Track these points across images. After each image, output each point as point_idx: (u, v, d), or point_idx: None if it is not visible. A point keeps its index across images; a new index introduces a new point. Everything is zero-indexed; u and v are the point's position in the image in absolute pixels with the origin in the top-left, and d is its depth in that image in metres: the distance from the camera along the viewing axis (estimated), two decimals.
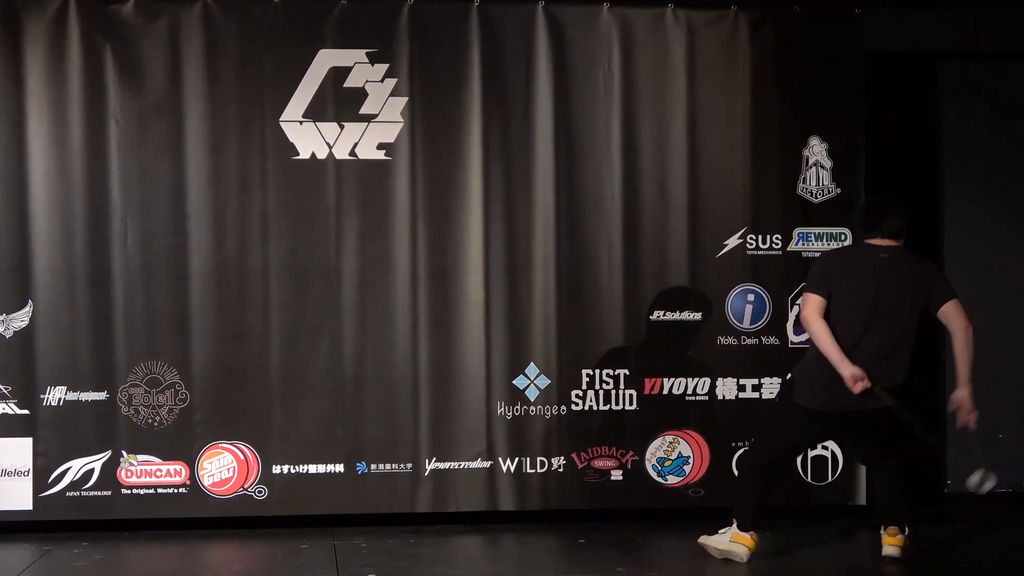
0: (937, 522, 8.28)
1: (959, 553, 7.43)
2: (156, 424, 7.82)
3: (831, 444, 8.27)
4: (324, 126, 7.91)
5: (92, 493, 7.78)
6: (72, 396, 7.77)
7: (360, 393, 7.92)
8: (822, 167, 8.30)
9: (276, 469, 7.87)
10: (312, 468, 7.89)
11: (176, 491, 7.83)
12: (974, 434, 8.76)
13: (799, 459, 8.23)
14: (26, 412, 7.75)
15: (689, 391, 8.19)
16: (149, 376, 7.81)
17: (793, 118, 8.27)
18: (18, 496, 7.75)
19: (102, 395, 7.79)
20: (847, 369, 6.77)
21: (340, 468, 7.90)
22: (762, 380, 8.24)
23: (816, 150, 8.30)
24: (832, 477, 8.31)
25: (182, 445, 7.83)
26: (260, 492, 7.88)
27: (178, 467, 7.84)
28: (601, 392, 8.12)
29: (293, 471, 7.89)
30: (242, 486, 7.86)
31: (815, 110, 8.29)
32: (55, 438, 7.77)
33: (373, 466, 7.93)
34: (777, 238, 8.26)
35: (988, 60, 8.95)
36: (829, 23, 8.32)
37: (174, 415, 7.83)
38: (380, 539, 7.57)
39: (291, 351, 7.88)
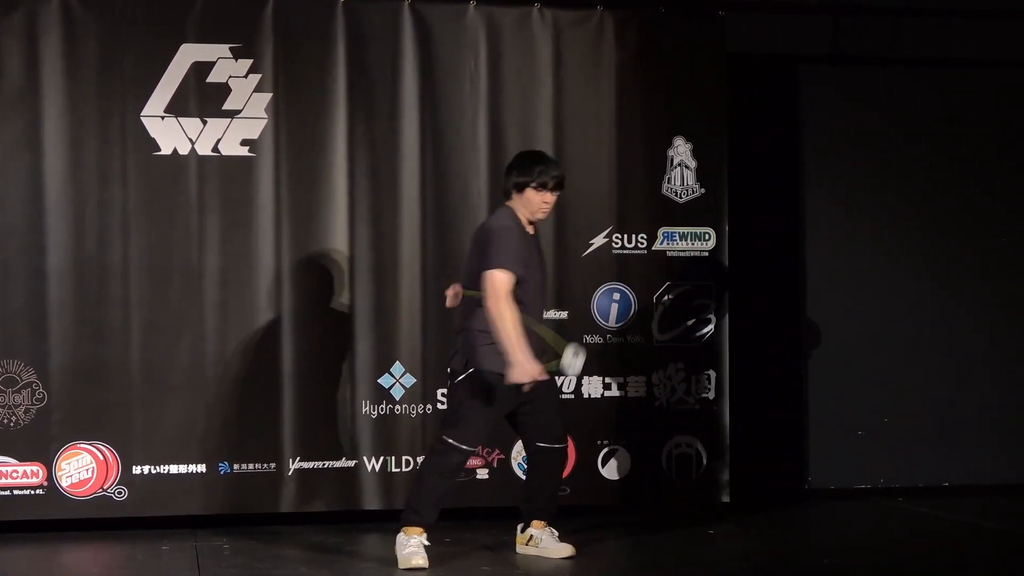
0: (799, 518, 8.41)
1: (821, 549, 7.52)
2: (12, 424, 7.65)
3: (695, 442, 8.35)
4: (186, 122, 7.80)
5: None
6: None
7: (222, 392, 7.82)
8: (686, 167, 8.38)
9: (136, 469, 7.74)
10: (173, 468, 7.77)
11: (33, 493, 7.67)
12: (833, 431, 8.98)
13: (663, 455, 8.31)
14: None
15: None
16: (5, 375, 7.64)
17: (658, 118, 8.34)
18: None
19: None
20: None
21: (202, 468, 7.80)
22: (628, 379, 8.29)
23: (681, 150, 8.37)
24: (696, 475, 8.37)
25: (39, 446, 7.67)
26: (120, 493, 7.74)
27: (35, 468, 7.67)
28: None
29: (154, 471, 7.76)
30: (101, 487, 7.72)
31: (680, 111, 8.36)
32: None
33: (236, 466, 7.83)
34: (642, 237, 8.32)
35: (847, 64, 9.11)
36: (693, 25, 8.40)
37: (31, 415, 7.67)
38: (243, 540, 7.49)
39: (152, 350, 7.76)
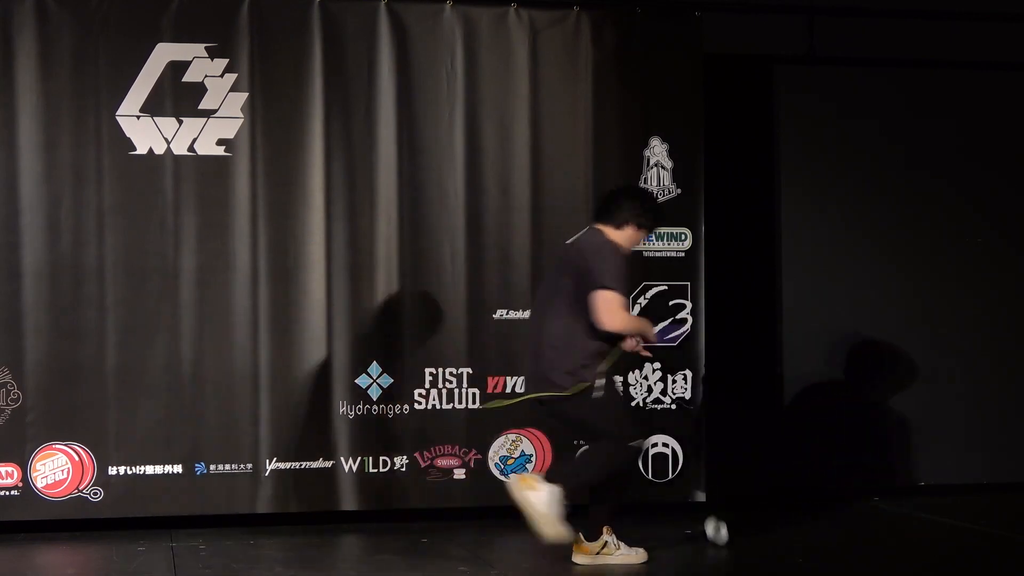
0: (775, 518, 8.42)
1: (797, 548, 7.53)
2: None
3: (671, 441, 8.36)
4: (162, 121, 7.77)
5: None
6: None
7: (199, 393, 7.79)
8: (663, 167, 8.39)
9: (112, 470, 7.71)
10: (149, 469, 7.74)
11: (8, 493, 7.63)
12: (810, 430, 8.98)
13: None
14: None
15: None
16: None
17: (634, 118, 8.35)
18: None
19: None
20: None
21: (178, 469, 7.76)
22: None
23: (657, 150, 8.38)
24: (672, 474, 8.38)
25: (14, 446, 7.63)
26: (96, 494, 7.71)
27: (10, 469, 7.63)
28: (444, 391, 8.10)
29: (130, 472, 7.73)
30: (77, 488, 7.69)
31: (656, 111, 8.37)
32: None
33: (212, 467, 7.81)
34: None
35: (822, 64, 9.13)
36: (669, 25, 8.42)
37: (6, 416, 7.63)
38: (219, 541, 7.47)
39: (127, 350, 7.73)
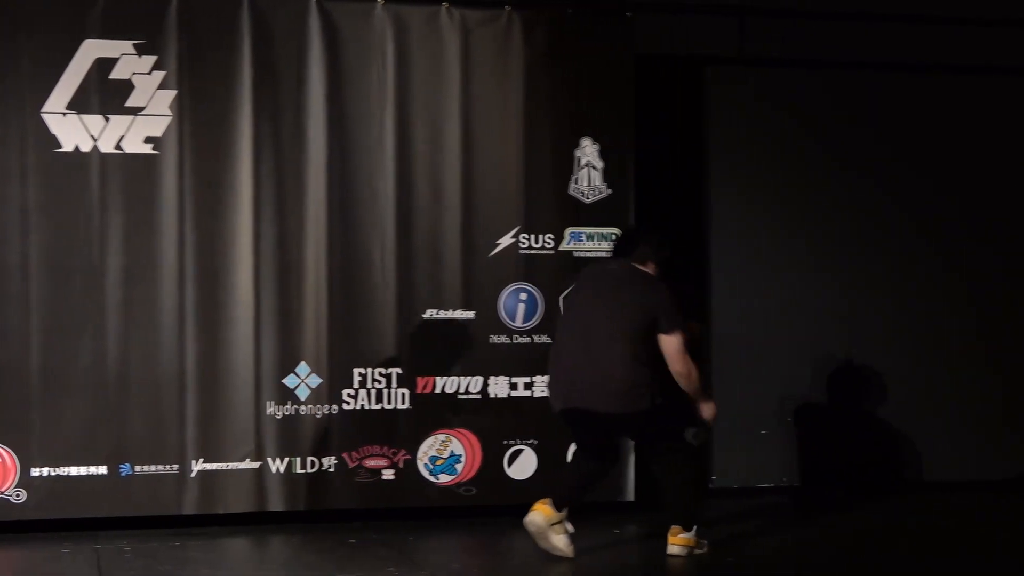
0: (702, 517, 8.45)
1: (724, 547, 7.57)
2: None
3: None
4: (89, 118, 7.68)
5: None
6: None
7: (124, 393, 7.72)
8: (594, 168, 8.40)
9: (35, 471, 7.62)
10: (74, 470, 7.66)
11: None
12: (736, 430, 9.05)
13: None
14: None
15: (461, 390, 8.20)
16: None
17: (566, 119, 8.34)
18: None
19: None
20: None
21: (103, 470, 7.68)
22: (534, 379, 8.29)
23: (588, 151, 8.39)
24: None
25: None
26: (18, 496, 7.61)
27: None
28: (373, 391, 8.08)
29: (53, 473, 7.65)
30: None
31: (587, 111, 8.37)
32: None
33: (138, 468, 7.73)
34: (549, 238, 8.33)
35: (753, 65, 9.17)
36: (601, 25, 8.41)
37: None
38: (145, 542, 7.41)
39: (51, 350, 7.64)
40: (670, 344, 7.12)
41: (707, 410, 7.35)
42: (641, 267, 7.28)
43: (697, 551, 7.28)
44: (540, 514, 7.09)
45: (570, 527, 7.17)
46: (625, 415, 7.12)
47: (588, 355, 7.11)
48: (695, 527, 7.29)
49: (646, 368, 7.12)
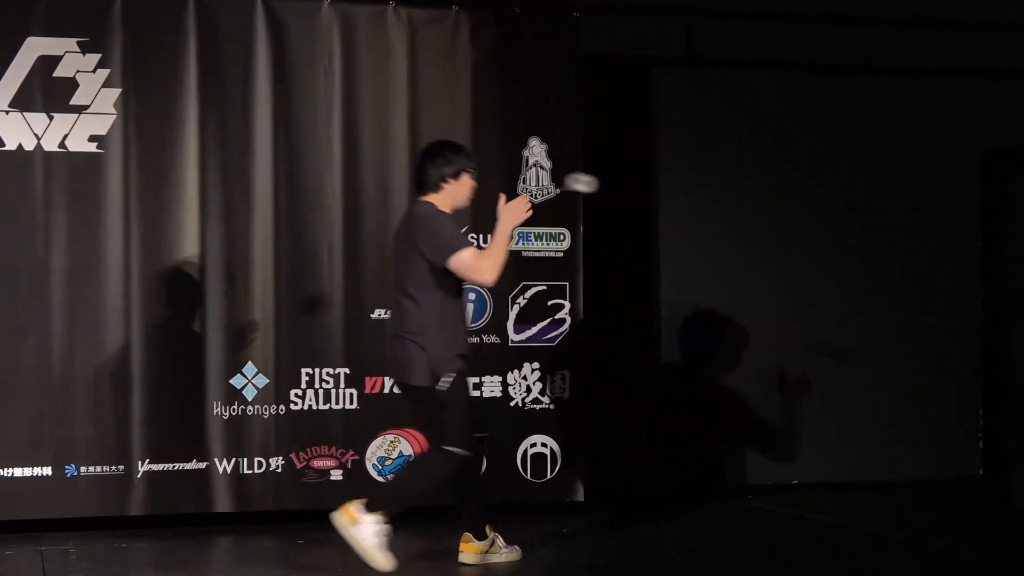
0: (652, 517, 8.48)
1: (673, 546, 7.58)
2: None
3: (549, 441, 8.37)
4: (32, 116, 7.62)
5: None
6: None
7: (69, 393, 7.65)
8: (542, 168, 8.40)
9: None
10: (18, 471, 7.59)
11: None
12: (686, 430, 9.06)
13: (518, 455, 8.32)
14: None
15: None
16: None
17: (514, 118, 8.35)
18: None
19: None
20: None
21: (48, 471, 7.61)
22: (483, 379, 8.27)
23: (536, 151, 8.39)
24: (551, 474, 8.39)
25: None
26: None
27: None
28: (321, 391, 8.04)
29: (2, 474, 7.58)
30: None
31: (535, 111, 8.38)
32: None
33: (83, 468, 7.66)
34: None
35: (700, 65, 9.21)
36: (549, 25, 8.43)
37: None
38: (90, 544, 7.35)
39: None
40: (460, 264, 6.49)
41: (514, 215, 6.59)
42: (434, 195, 6.68)
43: (496, 558, 6.93)
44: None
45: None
46: (409, 387, 6.63)
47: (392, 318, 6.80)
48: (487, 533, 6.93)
49: (429, 333, 6.53)
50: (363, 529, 6.54)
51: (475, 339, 8.25)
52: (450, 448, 6.57)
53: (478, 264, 6.51)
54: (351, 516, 6.56)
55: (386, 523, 6.58)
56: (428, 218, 6.60)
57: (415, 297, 6.58)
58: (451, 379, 6.58)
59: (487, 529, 6.95)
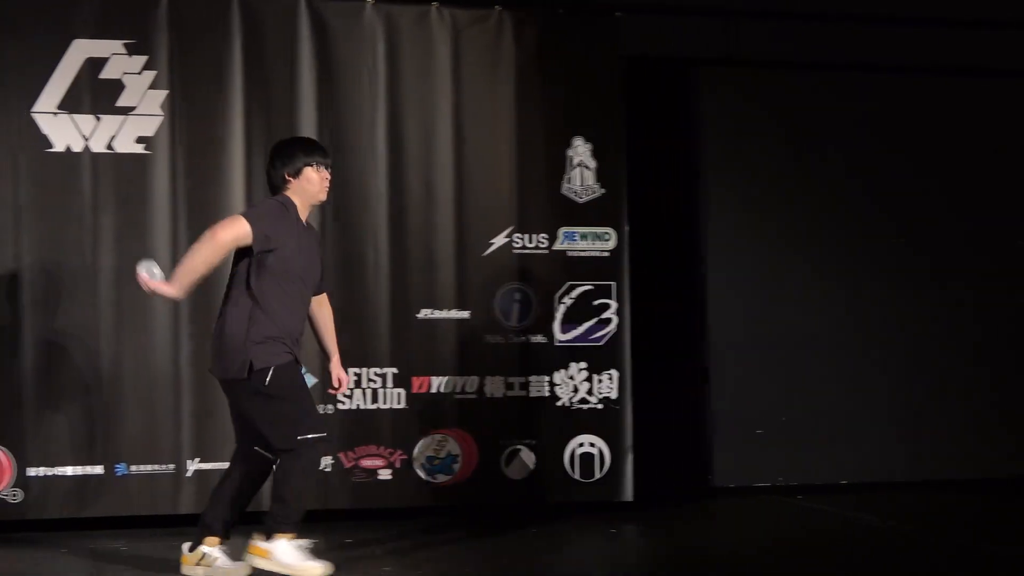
0: (700, 516, 8.43)
1: (721, 546, 7.53)
2: None
3: (597, 441, 8.34)
4: (80, 118, 7.70)
5: None
6: None
7: (119, 393, 7.70)
8: (586, 167, 8.40)
9: (32, 471, 7.60)
10: (70, 470, 7.62)
11: None
12: (734, 429, 9.03)
13: (566, 455, 8.28)
14: None
15: (457, 389, 8.18)
16: None
17: (557, 118, 8.36)
18: None
19: None
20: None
21: (99, 470, 7.65)
22: (530, 379, 8.26)
23: (580, 150, 8.40)
24: (599, 474, 8.35)
25: None
26: (15, 496, 7.58)
27: None
28: (369, 391, 8.05)
29: (50, 473, 7.62)
30: None
31: (579, 111, 8.39)
32: None
33: (133, 467, 7.70)
34: (543, 237, 8.32)
35: (742, 66, 9.21)
36: (590, 26, 8.45)
37: None
38: (141, 542, 7.36)
39: (46, 350, 7.62)
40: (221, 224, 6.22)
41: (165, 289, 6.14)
42: (282, 193, 6.35)
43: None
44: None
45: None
46: (226, 381, 6.29)
47: None
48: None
49: (247, 323, 6.18)
50: (280, 551, 6.31)
51: (521, 339, 8.27)
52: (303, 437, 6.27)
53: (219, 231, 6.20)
54: (261, 551, 6.34)
55: (296, 538, 6.37)
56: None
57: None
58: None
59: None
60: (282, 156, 6.40)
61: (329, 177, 6.44)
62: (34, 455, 7.61)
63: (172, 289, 6.19)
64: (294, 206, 6.38)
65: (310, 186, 6.38)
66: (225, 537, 6.49)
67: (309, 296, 6.48)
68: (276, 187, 6.41)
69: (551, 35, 8.37)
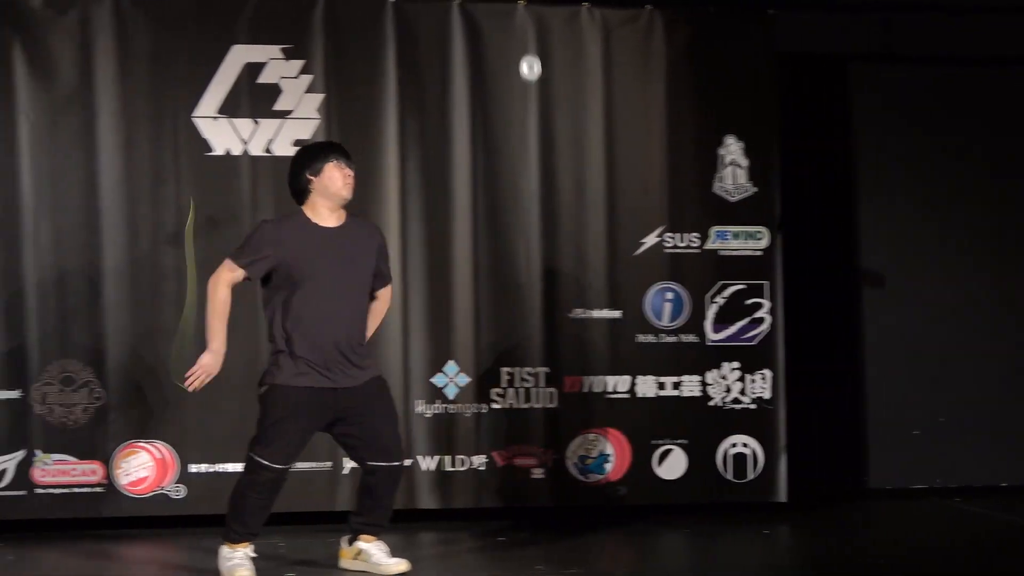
0: (855, 519, 8.33)
1: (877, 549, 7.43)
2: (70, 423, 7.70)
3: (751, 441, 8.29)
4: (239, 122, 7.86)
5: (5, 493, 7.65)
6: None
7: None
8: (738, 166, 8.35)
9: (194, 468, 7.78)
10: (230, 467, 7.76)
11: (92, 491, 7.71)
12: (891, 429, 8.90)
13: (719, 455, 8.25)
14: None
15: (609, 389, 8.18)
16: (63, 375, 7.70)
17: (709, 117, 8.32)
18: None
19: (15, 394, 7.67)
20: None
21: None
22: (681, 378, 8.24)
23: (732, 149, 8.35)
24: (753, 474, 8.30)
25: (97, 444, 7.72)
26: (177, 491, 7.77)
27: (93, 466, 7.72)
28: (522, 390, 8.10)
29: (211, 470, 7.79)
30: (160, 485, 7.76)
31: (730, 109, 8.34)
32: None
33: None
34: (695, 236, 8.29)
35: (898, 62, 9.06)
36: (743, 23, 8.39)
37: (89, 414, 7.72)
38: (299, 538, 7.48)
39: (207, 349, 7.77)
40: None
41: (208, 359, 6.40)
42: (309, 200, 6.47)
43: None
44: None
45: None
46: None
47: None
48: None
49: (272, 337, 6.46)
50: (219, 561, 6.52)
51: (673, 338, 8.25)
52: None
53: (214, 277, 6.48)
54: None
55: (240, 547, 6.51)
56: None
57: None
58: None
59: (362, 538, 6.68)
60: (301, 160, 6.51)
61: (351, 174, 6.50)
62: (196, 452, 7.79)
63: (212, 356, 6.42)
64: (300, 214, 6.48)
65: (332, 183, 6.44)
66: (375, 535, 6.67)
67: (348, 292, 6.45)
68: (300, 192, 6.51)
69: (702, 33, 8.33)
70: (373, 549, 6.67)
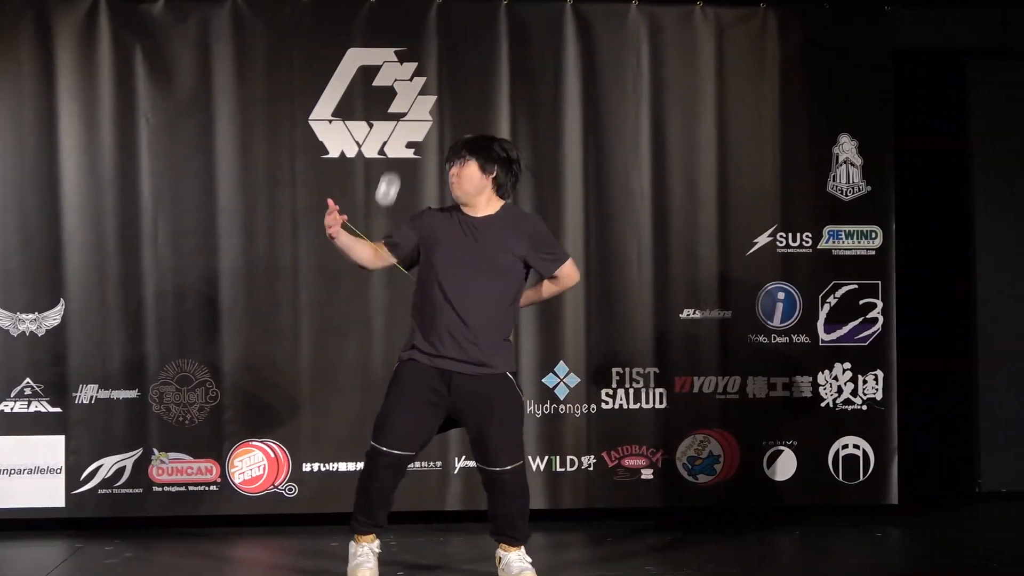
0: (968, 521, 8.26)
1: (990, 553, 7.36)
2: (187, 422, 7.85)
3: (862, 443, 8.23)
4: (353, 125, 7.93)
5: (124, 491, 7.82)
6: (104, 394, 7.81)
7: None
8: (852, 165, 8.28)
9: (306, 467, 7.90)
10: (342, 466, 7.89)
11: (207, 488, 7.86)
12: (1004, 431, 8.79)
13: (830, 456, 8.21)
14: (58, 410, 7.79)
15: (719, 390, 8.17)
16: (180, 374, 7.84)
17: (822, 115, 8.25)
18: (50, 494, 7.79)
19: (133, 393, 7.83)
20: None
21: None
22: (793, 379, 8.20)
23: (846, 147, 8.27)
24: (864, 476, 8.24)
25: (213, 443, 7.86)
26: (290, 490, 7.89)
27: (209, 465, 7.86)
28: (631, 391, 8.11)
29: (323, 469, 7.91)
30: (273, 484, 7.88)
31: (844, 107, 8.26)
32: (87, 436, 7.81)
33: None
34: (807, 236, 8.24)
35: (1016, 58, 8.91)
36: (857, 21, 8.29)
37: (205, 413, 7.86)
38: (409, 537, 7.56)
39: (321, 349, 7.91)
40: None
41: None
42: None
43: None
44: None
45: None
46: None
47: None
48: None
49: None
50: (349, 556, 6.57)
51: (785, 339, 8.20)
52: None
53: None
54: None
55: (365, 540, 6.55)
56: None
57: None
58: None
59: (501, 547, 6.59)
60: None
61: (456, 172, 6.44)
62: (309, 451, 7.90)
63: (335, 231, 6.42)
64: (446, 207, 6.64)
65: (452, 187, 6.50)
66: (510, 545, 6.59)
67: (472, 281, 6.37)
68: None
69: (817, 31, 8.25)
70: (511, 558, 6.53)
